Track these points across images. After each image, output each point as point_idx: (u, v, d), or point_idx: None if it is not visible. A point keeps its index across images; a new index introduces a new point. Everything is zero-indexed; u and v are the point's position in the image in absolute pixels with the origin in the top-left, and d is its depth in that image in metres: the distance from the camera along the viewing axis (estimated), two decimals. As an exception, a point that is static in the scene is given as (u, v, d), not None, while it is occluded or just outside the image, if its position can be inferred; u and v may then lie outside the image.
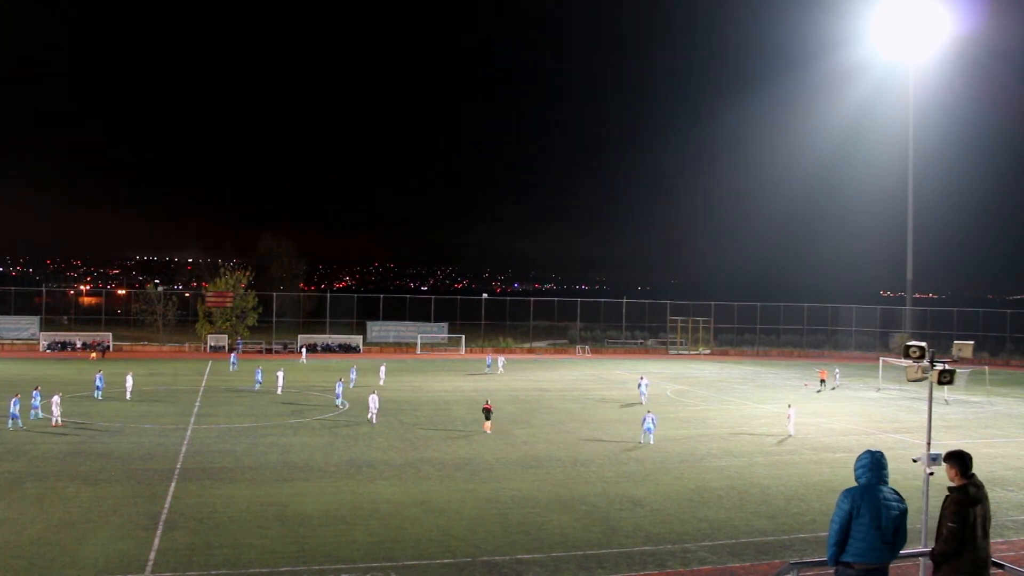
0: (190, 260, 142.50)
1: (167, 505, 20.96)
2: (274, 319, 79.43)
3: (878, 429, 36.25)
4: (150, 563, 16.61)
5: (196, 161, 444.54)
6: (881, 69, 76.73)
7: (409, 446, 29.72)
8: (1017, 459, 29.76)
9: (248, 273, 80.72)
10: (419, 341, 78.07)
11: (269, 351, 73.52)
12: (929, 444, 15.22)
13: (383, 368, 51.79)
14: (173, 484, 23.16)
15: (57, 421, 32.07)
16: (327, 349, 75.33)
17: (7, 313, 74.12)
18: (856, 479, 7.64)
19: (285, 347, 74.07)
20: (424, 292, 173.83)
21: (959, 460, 7.69)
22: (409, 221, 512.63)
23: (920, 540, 14.75)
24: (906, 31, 68.78)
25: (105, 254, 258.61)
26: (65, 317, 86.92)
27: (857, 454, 7.82)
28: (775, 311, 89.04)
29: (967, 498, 7.52)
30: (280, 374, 44.95)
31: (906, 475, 24.40)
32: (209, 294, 76.12)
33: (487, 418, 32.87)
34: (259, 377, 46.39)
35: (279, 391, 43.46)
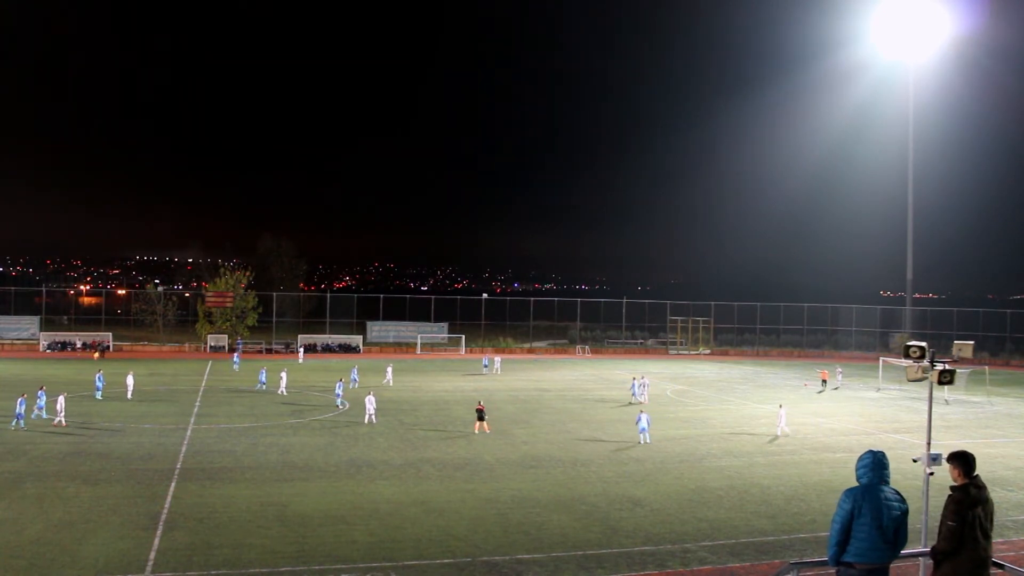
0: (190, 260, 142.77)
1: (167, 505, 20.95)
2: (274, 319, 79.42)
3: (878, 429, 36.24)
4: (150, 563, 16.60)
5: (196, 161, 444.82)
6: (881, 69, 76.77)
7: (409, 446, 29.71)
8: (1017, 459, 29.75)
9: (248, 273, 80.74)
10: (419, 341, 78.07)
11: (269, 351, 73.51)
12: (929, 444, 15.22)
13: (390, 368, 51.61)
14: (173, 484, 23.15)
15: (61, 421, 32.10)
16: (327, 349, 75.33)
17: (7, 313, 74.13)
18: (857, 479, 7.65)
19: (287, 347, 74.03)
20: (424, 292, 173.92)
21: (962, 460, 7.71)
22: (409, 221, 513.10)
23: (920, 540, 14.75)
24: (906, 31, 68.76)
25: (105, 254, 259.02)
26: (65, 317, 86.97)
27: (857, 454, 7.82)
28: (775, 311, 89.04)
29: (967, 498, 7.54)
30: (283, 375, 44.93)
31: (906, 475, 24.41)
32: (209, 294, 76.11)
33: (480, 419, 32.84)
34: (263, 378, 46.35)
35: (282, 391, 43.40)
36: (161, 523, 19.33)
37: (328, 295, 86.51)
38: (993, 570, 7.64)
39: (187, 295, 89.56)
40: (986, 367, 54.78)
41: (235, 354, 60.52)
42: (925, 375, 14.50)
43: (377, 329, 79.90)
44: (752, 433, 34.22)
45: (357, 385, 46.21)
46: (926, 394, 15.61)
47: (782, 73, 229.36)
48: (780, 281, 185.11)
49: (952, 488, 7.70)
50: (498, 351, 74.81)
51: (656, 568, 17.12)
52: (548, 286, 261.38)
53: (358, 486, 23.55)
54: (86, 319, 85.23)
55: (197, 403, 39.55)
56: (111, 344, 70.76)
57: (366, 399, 35.25)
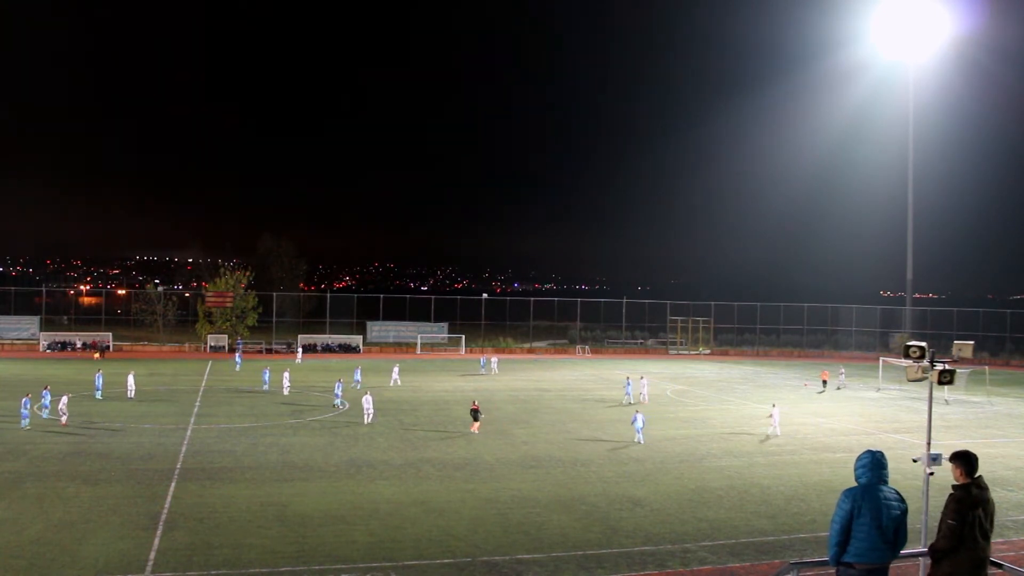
0: (190, 260, 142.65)
1: (167, 505, 20.95)
2: (274, 319, 79.40)
3: (878, 429, 36.24)
4: (150, 563, 16.60)
5: (196, 161, 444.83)
6: (881, 69, 76.75)
7: (409, 446, 29.71)
8: (1017, 459, 29.75)
9: (248, 273, 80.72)
10: (419, 341, 78.05)
11: (270, 351, 73.50)
12: (929, 444, 15.23)
13: (396, 368, 51.56)
14: (173, 484, 23.16)
15: (64, 421, 32.18)
16: (327, 349, 75.32)
17: (7, 313, 74.09)
18: (856, 479, 7.64)
19: (289, 347, 73.96)
20: (424, 292, 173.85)
21: (964, 460, 7.71)
22: (409, 221, 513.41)
23: (920, 540, 14.76)
24: (906, 31, 68.76)
25: (105, 254, 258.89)
26: (65, 317, 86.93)
27: (857, 454, 7.82)
28: (775, 311, 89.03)
29: (969, 497, 7.54)
30: (287, 375, 44.89)
31: (906, 475, 24.42)
32: (209, 294, 76.10)
33: (475, 419, 32.82)
34: (267, 378, 46.33)
35: (286, 391, 43.34)
36: (161, 523, 19.33)
37: (328, 295, 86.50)
38: (992, 570, 7.64)
39: (187, 295, 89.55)
40: (986, 367, 54.76)
41: (237, 354, 60.53)
42: (925, 375, 14.50)
43: (377, 329, 79.89)
44: (752, 433, 34.23)
45: (360, 386, 46.11)
46: (926, 394, 15.61)
47: (782, 73, 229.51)
48: (780, 281, 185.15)
49: (954, 487, 7.70)
50: (498, 351, 74.81)
51: (656, 568, 17.13)
52: (548, 286, 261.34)
53: (358, 486, 23.55)
54: (86, 319, 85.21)
55: (197, 403, 39.55)
56: (111, 344, 70.76)
57: (363, 399, 35.21)
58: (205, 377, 51.75)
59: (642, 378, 45.96)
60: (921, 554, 8.56)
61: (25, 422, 31.52)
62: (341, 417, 36.22)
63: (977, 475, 7.67)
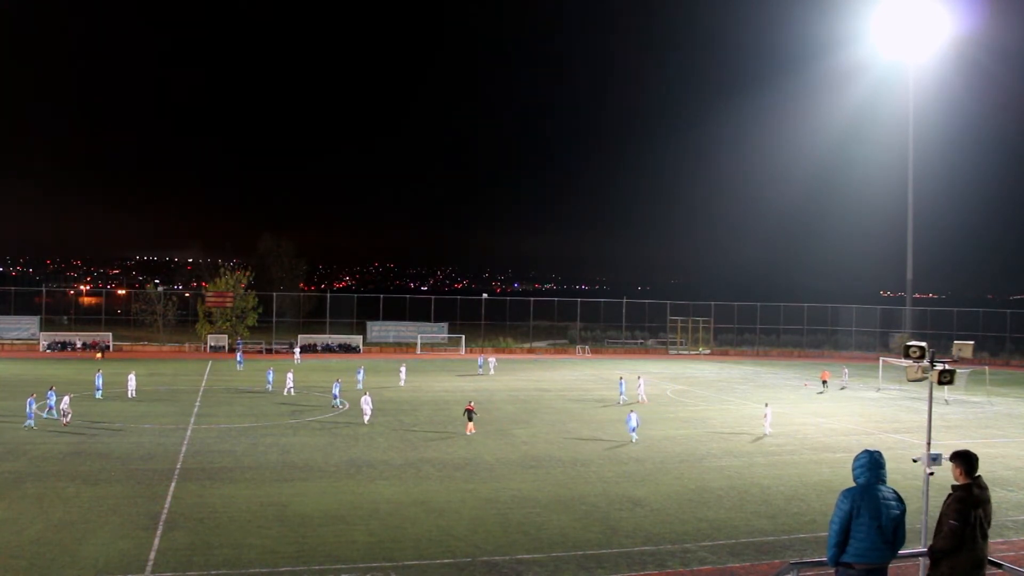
0: (190, 260, 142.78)
1: (167, 505, 20.96)
2: (274, 319, 79.41)
3: (878, 429, 36.25)
4: (150, 563, 16.61)
5: (196, 161, 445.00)
6: (881, 69, 76.77)
7: (409, 446, 29.71)
8: (1017, 459, 29.75)
9: (248, 273, 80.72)
10: (419, 341, 78.06)
11: (270, 351, 73.50)
12: (929, 444, 15.23)
13: (403, 368, 51.45)
14: (173, 484, 23.16)
15: (66, 421, 32.22)
16: (327, 349, 75.32)
17: (7, 313, 74.09)
18: (854, 479, 7.64)
19: (291, 347, 73.90)
20: (424, 292, 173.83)
21: (965, 460, 7.70)
22: (409, 221, 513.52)
23: (920, 540, 14.76)
24: (906, 31, 68.78)
25: (105, 254, 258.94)
26: (65, 317, 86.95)
27: (856, 454, 7.82)
28: (775, 311, 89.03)
29: (970, 497, 7.53)
30: (290, 375, 44.83)
31: (906, 475, 24.41)
32: (209, 294, 76.11)
33: (469, 419, 32.79)
34: (270, 378, 46.29)
35: (289, 391, 43.27)
36: (161, 523, 19.34)
37: (328, 295, 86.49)
38: (991, 570, 7.64)
39: (187, 295, 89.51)
40: (986, 367, 54.78)
41: (237, 353, 60.55)
42: (925, 375, 14.50)
43: (377, 329, 79.89)
44: (752, 433, 34.24)
45: (362, 387, 45.97)
46: (926, 394, 15.61)
47: (782, 73, 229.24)
48: (780, 281, 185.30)
49: (954, 487, 7.69)
50: (497, 351, 74.82)
51: (656, 568, 17.13)
52: (548, 286, 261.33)
53: (358, 486, 23.55)
54: (86, 319, 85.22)
55: (197, 403, 39.56)
56: (111, 344, 70.77)
57: (362, 400, 35.17)
58: (205, 377, 51.76)
59: (639, 378, 45.96)
60: (921, 554, 8.56)
61: (30, 422, 31.55)
62: (341, 417, 36.23)
63: (977, 475, 7.67)
